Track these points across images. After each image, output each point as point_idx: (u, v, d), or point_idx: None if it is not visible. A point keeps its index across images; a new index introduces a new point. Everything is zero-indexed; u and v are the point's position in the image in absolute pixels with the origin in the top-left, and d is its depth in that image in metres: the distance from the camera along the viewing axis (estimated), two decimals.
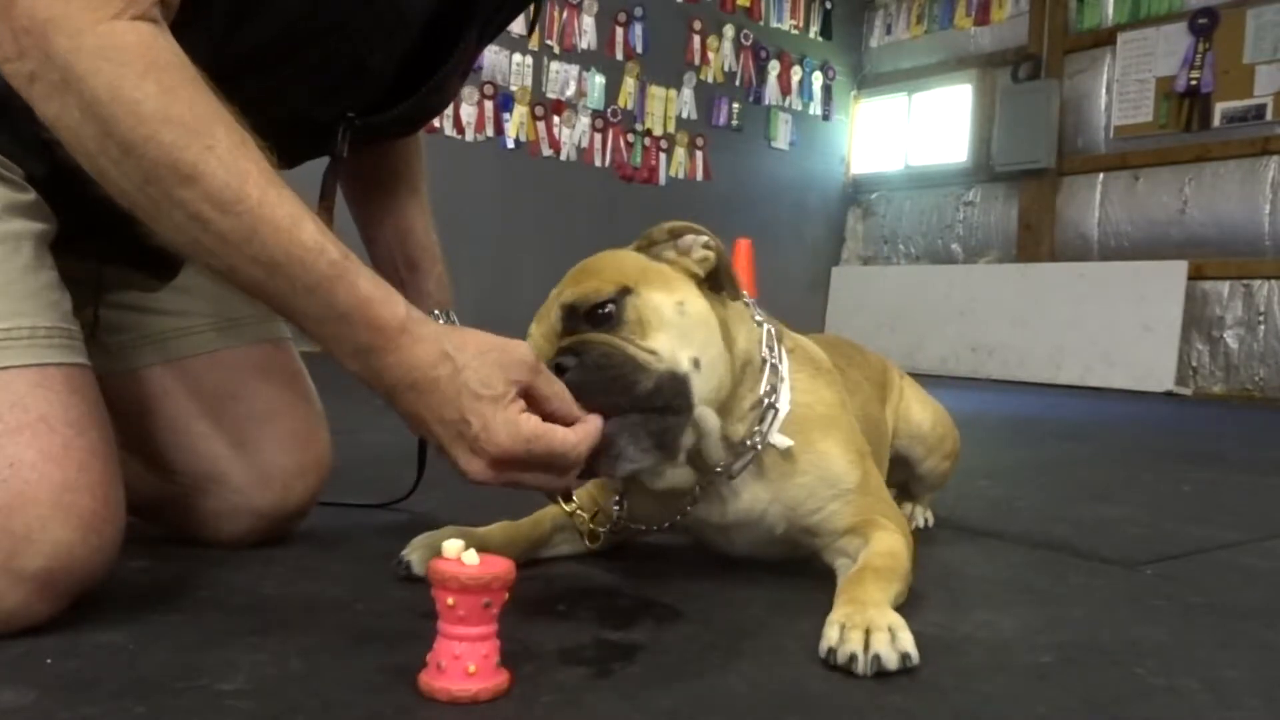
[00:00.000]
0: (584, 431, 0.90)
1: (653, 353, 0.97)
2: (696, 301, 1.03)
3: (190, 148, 0.81)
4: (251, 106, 0.86)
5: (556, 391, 0.90)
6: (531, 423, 0.86)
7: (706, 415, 1.02)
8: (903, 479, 1.56)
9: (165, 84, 0.81)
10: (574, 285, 1.01)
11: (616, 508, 1.15)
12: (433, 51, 1.16)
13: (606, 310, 0.98)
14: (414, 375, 0.85)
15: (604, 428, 0.92)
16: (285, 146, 0.89)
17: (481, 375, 0.85)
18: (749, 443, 1.07)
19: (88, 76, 0.79)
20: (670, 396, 0.97)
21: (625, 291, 0.99)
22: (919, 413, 1.51)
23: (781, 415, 1.08)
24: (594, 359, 0.95)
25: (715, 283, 1.08)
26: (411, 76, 1.16)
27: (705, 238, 1.07)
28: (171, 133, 0.80)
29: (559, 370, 0.94)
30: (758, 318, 1.13)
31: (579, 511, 1.13)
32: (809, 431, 1.11)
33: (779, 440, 1.08)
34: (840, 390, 1.19)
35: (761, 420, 1.08)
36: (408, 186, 1.42)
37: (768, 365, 1.10)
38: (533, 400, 0.88)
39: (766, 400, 1.08)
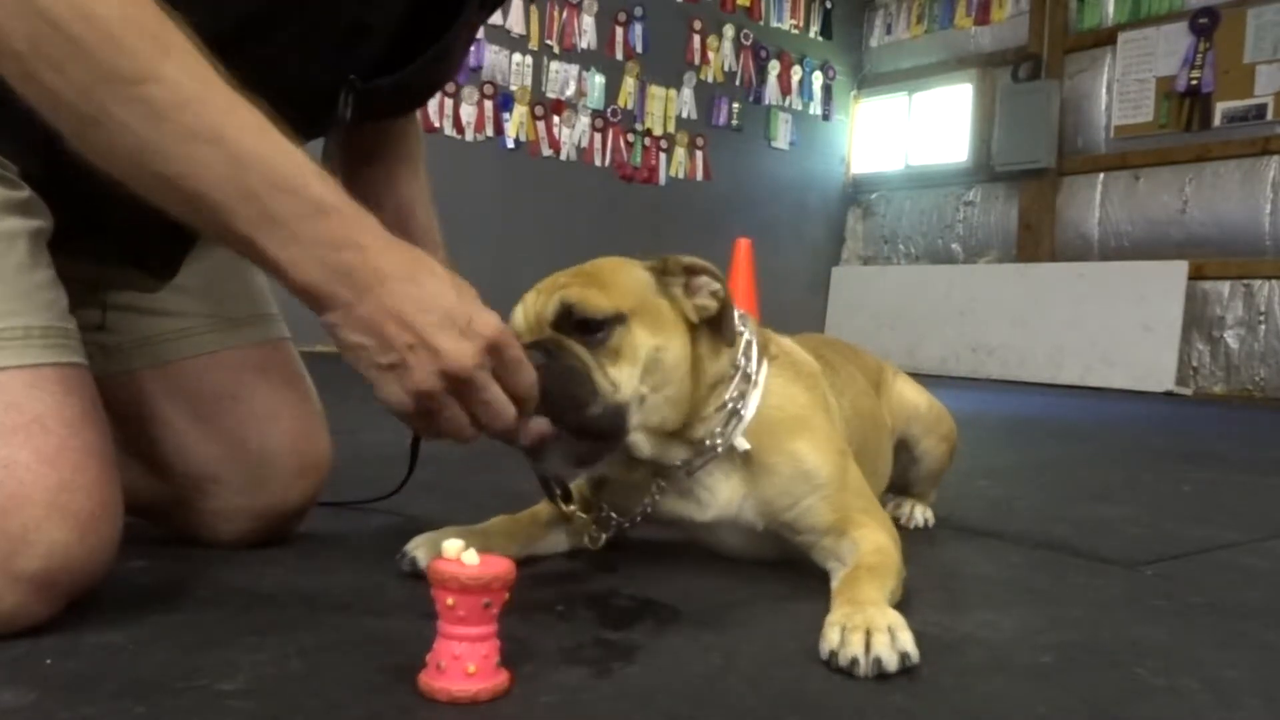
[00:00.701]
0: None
1: (613, 384, 1.02)
2: (674, 349, 1.07)
3: (148, 50, 0.79)
4: (253, 73, 0.85)
5: None
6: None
7: (638, 441, 1.08)
8: (902, 470, 1.56)
9: None
10: (582, 286, 1.04)
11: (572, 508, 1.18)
12: (434, 17, 1.16)
13: (596, 327, 1.03)
14: (398, 266, 0.85)
15: (542, 433, 0.98)
16: (288, 117, 0.88)
17: (463, 282, 0.90)
18: (709, 443, 1.11)
19: None
20: (606, 425, 1.02)
21: (619, 318, 1.03)
22: (914, 396, 1.57)
23: (746, 420, 1.12)
24: (562, 367, 1.00)
25: (713, 322, 1.11)
26: (413, 43, 1.16)
27: (716, 286, 1.10)
28: (133, 35, 0.78)
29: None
30: (740, 328, 1.16)
31: (578, 513, 1.15)
32: (779, 433, 1.14)
33: (739, 443, 1.12)
34: (820, 393, 1.22)
35: (725, 423, 1.11)
36: (408, 170, 1.41)
37: (739, 373, 1.12)
38: None
39: (731, 405, 1.11)
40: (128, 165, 0.82)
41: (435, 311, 0.85)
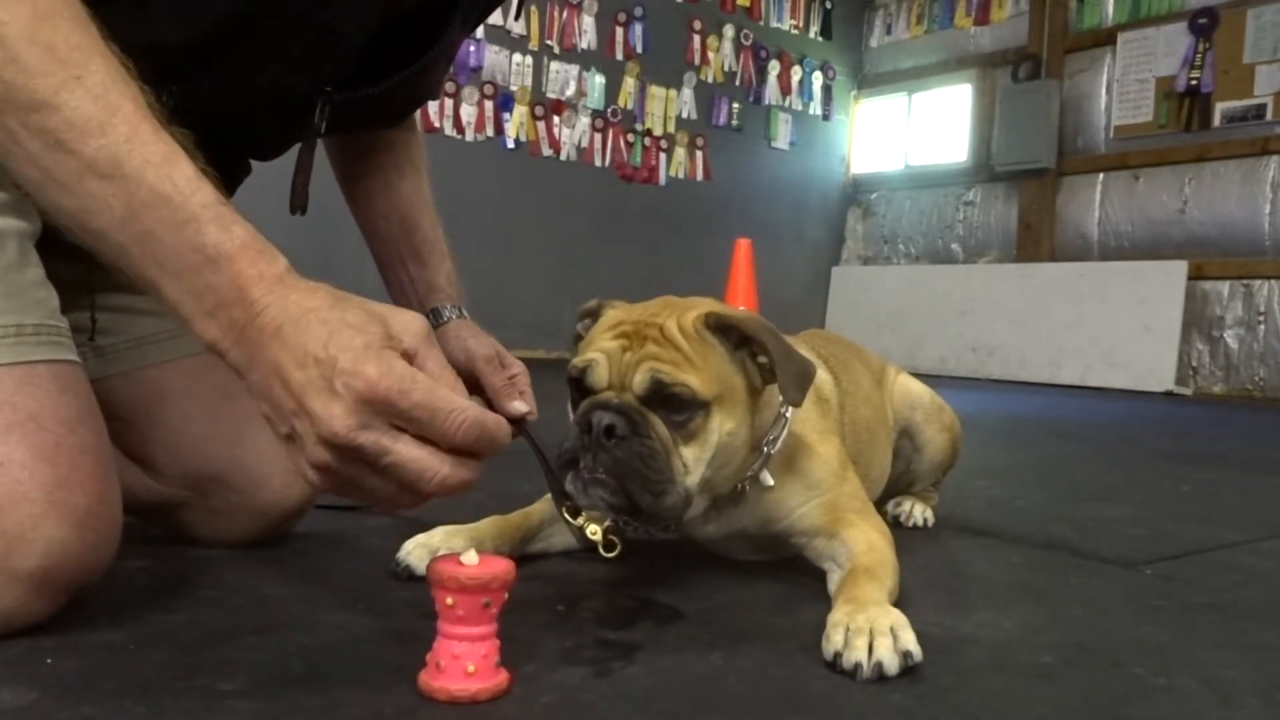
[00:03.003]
0: (479, 409, 0.75)
1: (685, 466, 1.00)
2: (743, 430, 1.05)
3: (54, 74, 0.76)
4: (230, 80, 0.84)
5: (446, 378, 0.76)
6: (411, 370, 0.73)
7: (691, 507, 1.06)
8: (905, 463, 1.57)
9: (41, 10, 0.77)
10: (675, 367, 1.00)
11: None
12: (411, 29, 1.16)
13: (683, 409, 1.00)
14: (286, 315, 0.74)
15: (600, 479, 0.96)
16: (266, 125, 0.87)
17: (362, 319, 0.74)
18: (740, 484, 1.11)
19: None
20: (670, 510, 1.00)
21: (706, 406, 1.00)
22: (916, 386, 1.59)
23: (772, 456, 1.11)
24: (645, 447, 0.97)
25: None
26: (390, 54, 1.16)
27: (763, 359, 1.05)
28: (36, 57, 0.75)
29: (608, 429, 0.96)
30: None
31: (589, 524, 1.14)
32: (790, 457, 1.14)
33: (765, 479, 1.11)
34: (831, 415, 1.23)
35: (757, 465, 1.11)
36: (411, 182, 1.42)
37: (780, 419, 1.11)
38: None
39: (766, 450, 1.10)
40: (38, 196, 0.79)
41: (309, 366, 0.72)
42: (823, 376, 1.26)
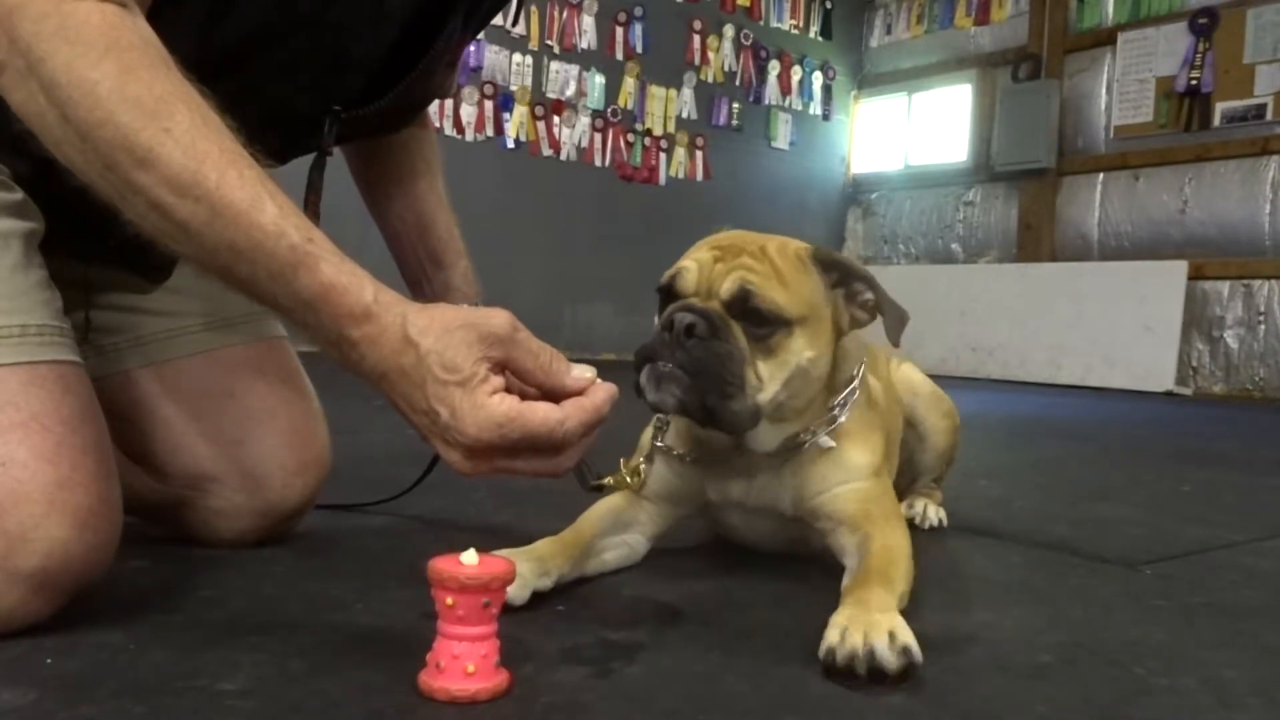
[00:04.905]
0: (574, 406, 0.81)
1: (759, 381, 1.04)
2: (822, 362, 1.09)
3: (146, 130, 0.78)
4: (237, 99, 0.85)
5: (541, 364, 0.82)
6: (505, 405, 0.78)
7: (762, 433, 1.09)
8: (909, 455, 1.57)
9: (125, 64, 0.79)
10: (764, 278, 1.04)
11: (659, 443, 1.18)
12: (419, 43, 1.16)
13: (765, 322, 1.03)
14: (383, 366, 0.80)
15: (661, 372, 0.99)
16: (273, 141, 0.88)
17: (445, 359, 0.78)
18: (804, 438, 1.13)
19: (47, 58, 0.78)
20: (737, 420, 1.03)
21: (789, 324, 1.04)
22: (916, 375, 1.61)
23: (839, 423, 1.14)
24: (723, 349, 1.01)
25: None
26: (397, 68, 1.16)
27: (869, 296, 1.11)
28: (128, 114, 0.78)
29: (688, 328, 0.99)
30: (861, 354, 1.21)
31: (621, 475, 1.13)
32: (843, 438, 1.16)
33: (824, 441, 1.14)
34: (880, 415, 1.26)
35: (826, 424, 1.13)
36: (426, 183, 1.42)
37: (854, 380, 1.16)
38: (515, 373, 0.82)
39: (836, 410, 1.14)
40: (159, 242, 0.83)
41: (420, 414, 0.80)
42: (876, 384, 1.29)
